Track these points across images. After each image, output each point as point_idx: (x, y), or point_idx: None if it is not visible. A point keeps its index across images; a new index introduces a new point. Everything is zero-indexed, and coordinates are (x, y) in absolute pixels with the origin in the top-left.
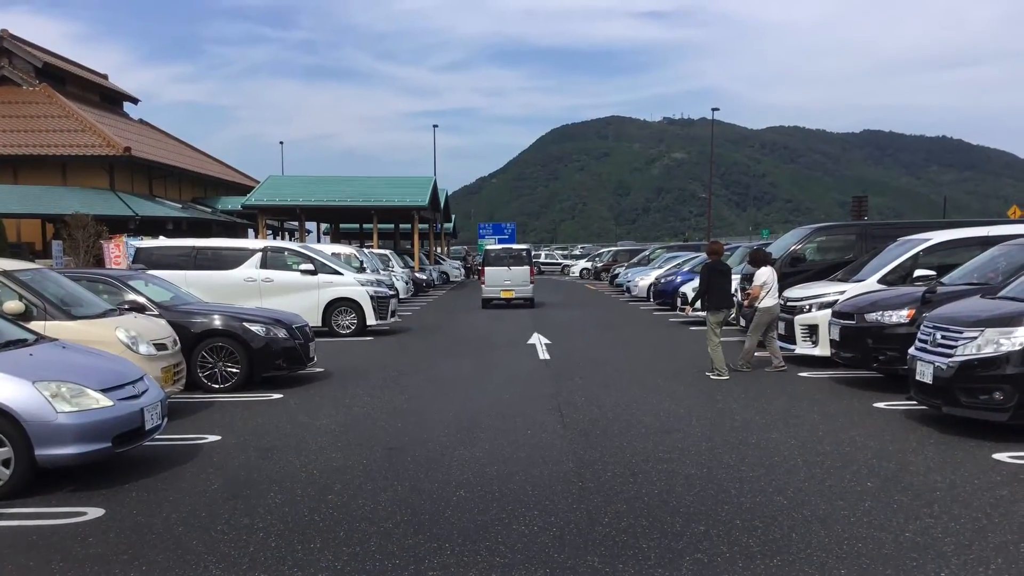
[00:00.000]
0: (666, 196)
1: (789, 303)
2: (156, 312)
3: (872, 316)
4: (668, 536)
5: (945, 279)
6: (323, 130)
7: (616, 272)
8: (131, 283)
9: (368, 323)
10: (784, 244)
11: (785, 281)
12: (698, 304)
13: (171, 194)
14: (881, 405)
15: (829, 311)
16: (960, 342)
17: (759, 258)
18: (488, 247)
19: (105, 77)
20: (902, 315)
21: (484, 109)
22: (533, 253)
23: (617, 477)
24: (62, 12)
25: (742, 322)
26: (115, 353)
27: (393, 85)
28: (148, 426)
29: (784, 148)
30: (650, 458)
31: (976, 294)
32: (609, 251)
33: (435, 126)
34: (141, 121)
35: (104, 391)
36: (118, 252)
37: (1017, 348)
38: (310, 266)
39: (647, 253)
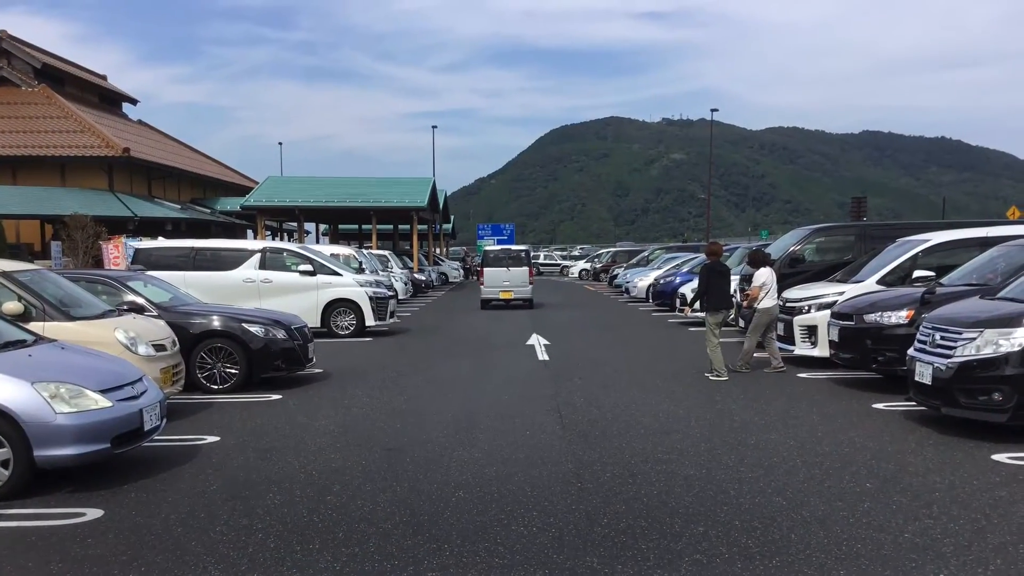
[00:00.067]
0: (665, 197)
1: (788, 304)
2: (155, 313)
3: (871, 317)
4: (667, 537)
5: (944, 280)
6: (322, 131)
7: (615, 273)
8: (130, 284)
9: (367, 324)
10: (783, 245)
11: (784, 282)
12: (697, 305)
13: (170, 195)
14: (880, 406)
15: (828, 312)
16: (959, 343)
17: (758, 259)
18: (487, 248)
19: (104, 78)
20: (901, 316)
21: (483, 110)
22: (532, 254)
23: (616, 478)
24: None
25: (741, 323)
26: (114, 354)
27: (392, 86)
28: (147, 427)
29: (783, 149)
30: (649, 459)
31: (975, 295)
32: (608, 252)
33: (434, 127)
34: (140, 122)
35: (103, 392)
36: (117, 253)
37: (1016, 349)
38: (309, 267)
39: (646, 254)
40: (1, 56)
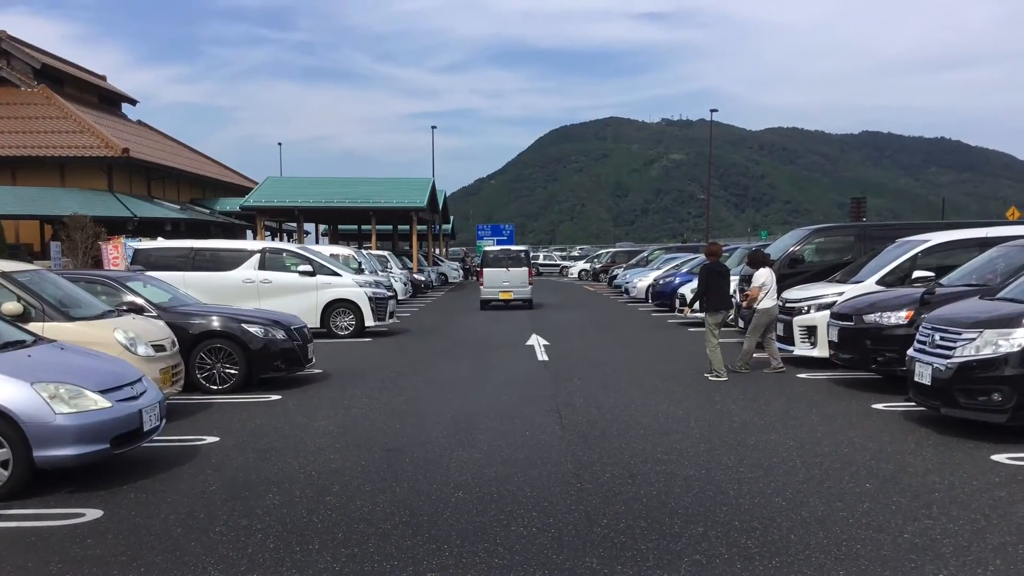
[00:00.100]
0: (664, 197)
1: (788, 304)
2: (154, 313)
3: (871, 317)
4: (666, 537)
5: (944, 280)
6: (322, 131)
7: (615, 273)
8: (129, 284)
9: (366, 324)
10: (783, 245)
11: (784, 282)
12: (696, 305)
13: (169, 195)
14: (879, 406)
15: (828, 312)
16: (959, 343)
17: (758, 259)
18: (487, 248)
19: (103, 78)
20: (901, 316)
21: (483, 110)
22: (532, 254)
23: (616, 478)
24: (60, 13)
25: (740, 323)
26: (113, 354)
27: (392, 86)
28: (146, 427)
29: (783, 149)
30: (648, 459)
31: (975, 295)
32: (607, 252)
33: (433, 127)
34: (139, 122)
35: (102, 392)
36: (116, 253)
37: (1016, 349)
38: (308, 267)
39: (645, 254)
40: (1, 56)
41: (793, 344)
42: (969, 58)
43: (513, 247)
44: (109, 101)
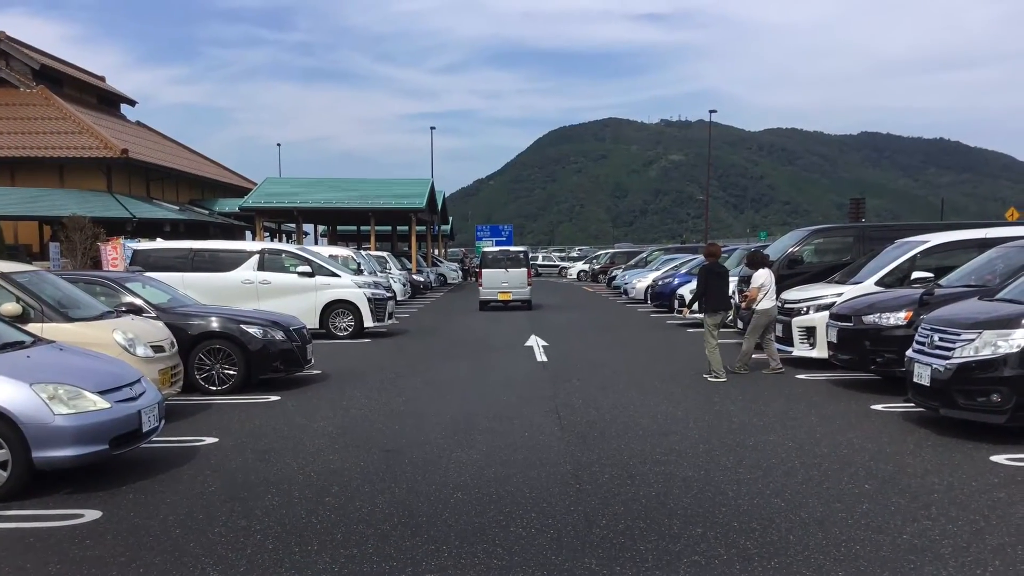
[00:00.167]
0: (664, 198)
1: (787, 305)
2: (153, 314)
3: (870, 318)
4: (666, 538)
5: (943, 281)
6: (321, 132)
7: (614, 274)
8: (128, 285)
9: (365, 325)
10: (782, 246)
11: (783, 283)
12: (695, 306)
13: (168, 196)
14: (879, 407)
15: (827, 313)
16: (958, 344)
17: (757, 260)
18: (486, 249)
19: (102, 79)
20: (900, 317)
21: (482, 111)
22: (531, 255)
23: (615, 479)
24: (59, 14)
25: (739, 324)
26: (112, 355)
27: (391, 87)
28: (145, 428)
29: (782, 150)
30: (648, 460)
31: (974, 296)
32: (607, 253)
33: (432, 128)
34: (138, 123)
35: (101, 393)
36: (115, 254)
37: (1015, 350)
38: (307, 268)
39: (644, 255)
40: (0, 57)
41: (792, 345)
42: (968, 59)
43: (512, 248)
44: (108, 102)
